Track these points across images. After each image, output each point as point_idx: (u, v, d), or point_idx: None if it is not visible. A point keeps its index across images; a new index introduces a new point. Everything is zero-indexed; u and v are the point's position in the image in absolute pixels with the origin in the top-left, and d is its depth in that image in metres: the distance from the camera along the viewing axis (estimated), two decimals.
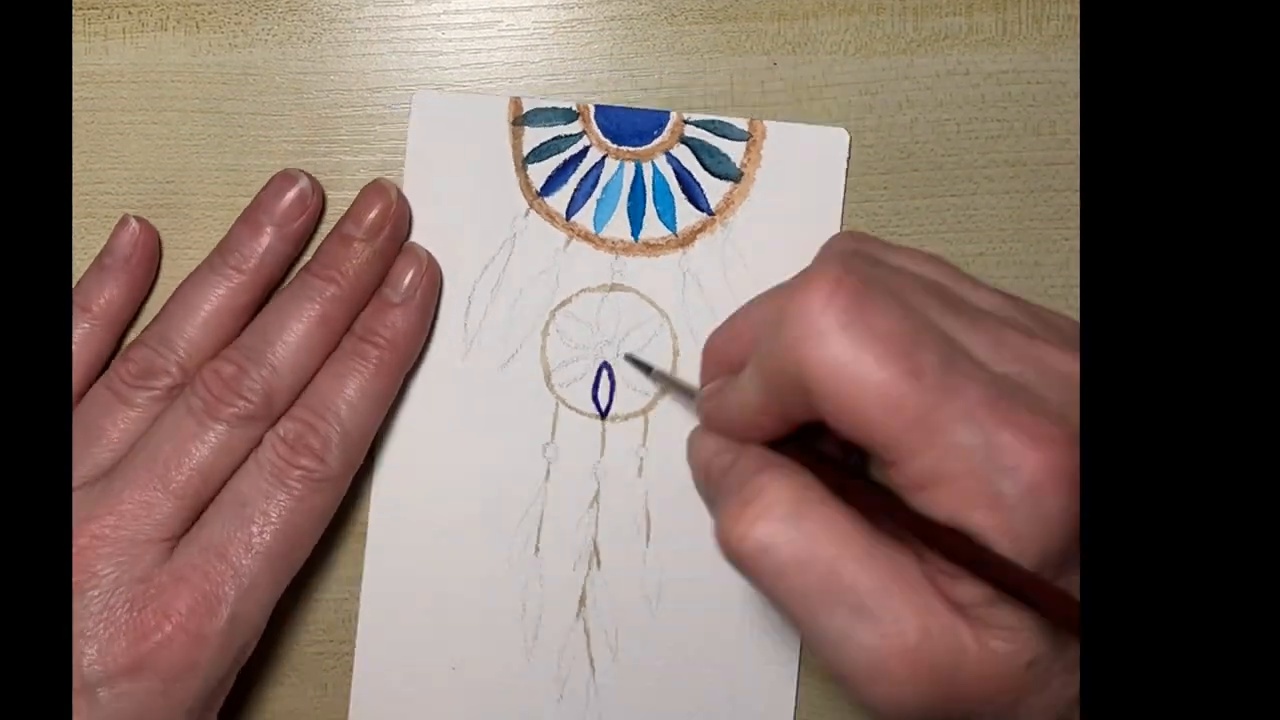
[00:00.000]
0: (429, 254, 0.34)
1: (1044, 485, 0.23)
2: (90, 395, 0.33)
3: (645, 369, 0.34)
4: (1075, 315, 0.33)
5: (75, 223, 0.35)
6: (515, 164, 0.34)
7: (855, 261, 0.26)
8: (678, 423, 0.34)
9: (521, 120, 0.34)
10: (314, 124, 0.35)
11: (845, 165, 0.34)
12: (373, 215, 0.33)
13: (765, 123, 0.34)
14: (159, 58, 0.35)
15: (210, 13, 0.35)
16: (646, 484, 0.34)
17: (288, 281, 0.34)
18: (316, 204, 0.34)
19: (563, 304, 0.35)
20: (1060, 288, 0.34)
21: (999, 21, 0.34)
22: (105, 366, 0.34)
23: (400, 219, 0.33)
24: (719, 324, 0.32)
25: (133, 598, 0.30)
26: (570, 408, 0.35)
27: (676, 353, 0.34)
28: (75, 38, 0.35)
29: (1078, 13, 0.34)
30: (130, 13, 0.35)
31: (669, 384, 0.33)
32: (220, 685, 0.31)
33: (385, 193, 0.33)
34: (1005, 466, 0.23)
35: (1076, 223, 0.34)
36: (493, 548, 0.35)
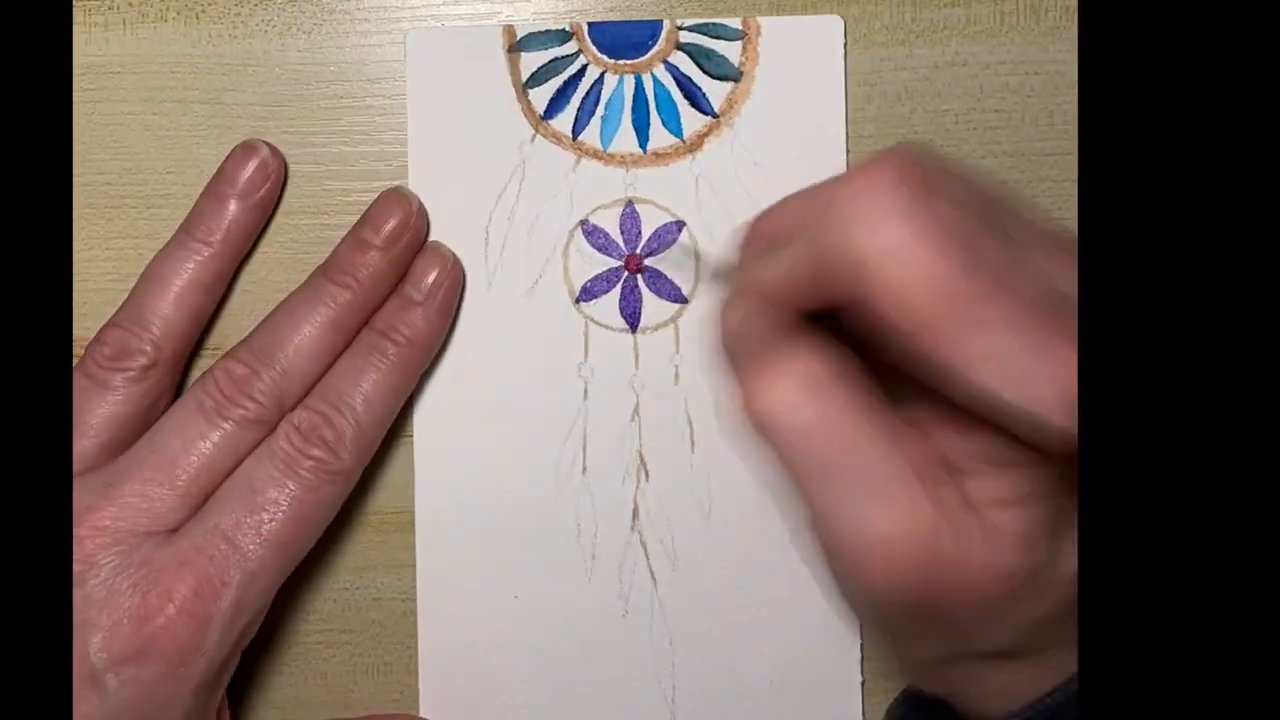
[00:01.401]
0: (454, 254, 0.34)
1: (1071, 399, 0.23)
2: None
3: (687, 255, 0.33)
4: (1072, 304, 0.33)
5: (75, 213, 0.35)
6: (515, 91, 0.35)
7: (921, 158, 0.26)
8: (709, 327, 0.34)
9: (516, 46, 0.35)
10: (314, 115, 0.35)
11: (843, 53, 0.34)
12: (391, 225, 0.33)
13: (759, 19, 0.34)
14: (159, 49, 0.35)
15: (210, 4, 0.35)
16: (685, 391, 0.35)
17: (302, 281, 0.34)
18: (279, 172, 0.34)
19: (579, 223, 0.35)
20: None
21: (996, 13, 0.34)
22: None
23: (419, 229, 0.34)
24: (737, 225, 0.32)
25: (135, 582, 0.30)
26: (600, 325, 0.35)
27: (697, 257, 0.34)
28: (76, 29, 0.35)
29: (1075, 3, 0.34)
30: (131, 4, 0.35)
31: (712, 268, 0.32)
32: (225, 665, 0.32)
33: (406, 202, 0.33)
34: (1047, 373, 0.23)
35: (1075, 213, 0.34)
36: (540, 472, 0.35)
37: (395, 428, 0.35)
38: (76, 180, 0.35)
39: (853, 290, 0.24)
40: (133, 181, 0.35)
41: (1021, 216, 0.26)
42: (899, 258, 0.23)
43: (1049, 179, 0.34)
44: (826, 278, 0.24)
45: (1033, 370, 0.23)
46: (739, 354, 0.27)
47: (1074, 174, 0.34)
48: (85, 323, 0.35)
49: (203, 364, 0.35)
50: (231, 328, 0.35)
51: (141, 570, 0.30)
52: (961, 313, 0.23)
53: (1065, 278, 0.24)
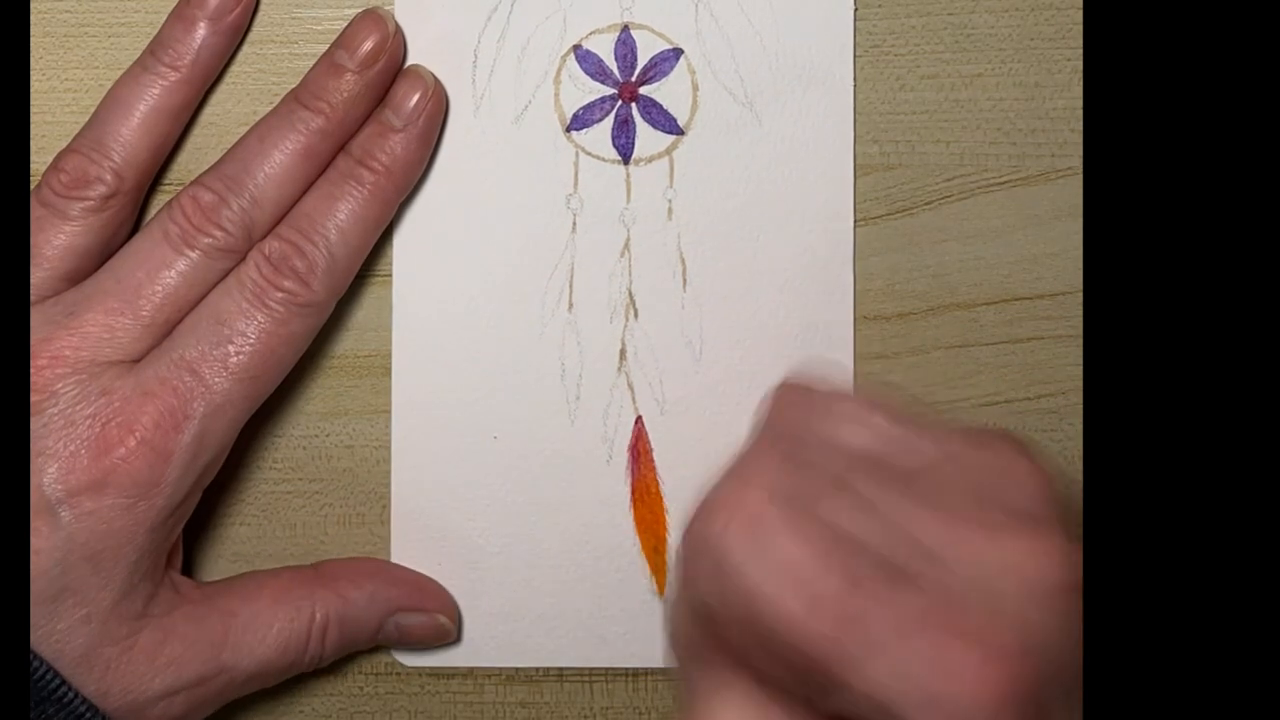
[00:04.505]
0: (435, 78, 0.32)
1: (994, 708, 0.22)
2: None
3: None
4: (1078, 139, 0.33)
5: (32, 42, 0.34)
6: None
7: (772, 459, 0.25)
8: (705, 161, 0.33)
9: None
10: None
11: None
12: (367, 47, 0.32)
13: None
14: None
15: None
16: (678, 226, 0.33)
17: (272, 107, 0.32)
18: None
19: (572, 48, 0.33)
20: (1062, 110, 0.33)
21: None
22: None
23: (396, 52, 0.32)
24: (736, 58, 0.31)
25: (94, 412, 0.29)
26: (591, 155, 0.33)
27: (696, 88, 0.33)
28: None
29: None
30: None
31: None
32: (184, 504, 0.30)
33: (382, 23, 0.32)
34: (950, 689, 0.22)
35: (1079, 42, 0.33)
36: (524, 308, 0.33)
37: (370, 266, 0.33)
38: (33, 6, 0.34)
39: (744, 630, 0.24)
40: (93, 8, 0.34)
41: (909, 451, 0.25)
42: (752, 613, 0.23)
43: (1054, 6, 0.33)
44: (706, 630, 0.25)
45: (935, 691, 0.22)
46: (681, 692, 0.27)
47: (1079, 0, 0.33)
48: (42, 157, 0.33)
49: (162, 199, 0.33)
50: (194, 161, 0.34)
51: (101, 399, 0.29)
52: (847, 639, 0.22)
53: (972, 540, 0.23)
